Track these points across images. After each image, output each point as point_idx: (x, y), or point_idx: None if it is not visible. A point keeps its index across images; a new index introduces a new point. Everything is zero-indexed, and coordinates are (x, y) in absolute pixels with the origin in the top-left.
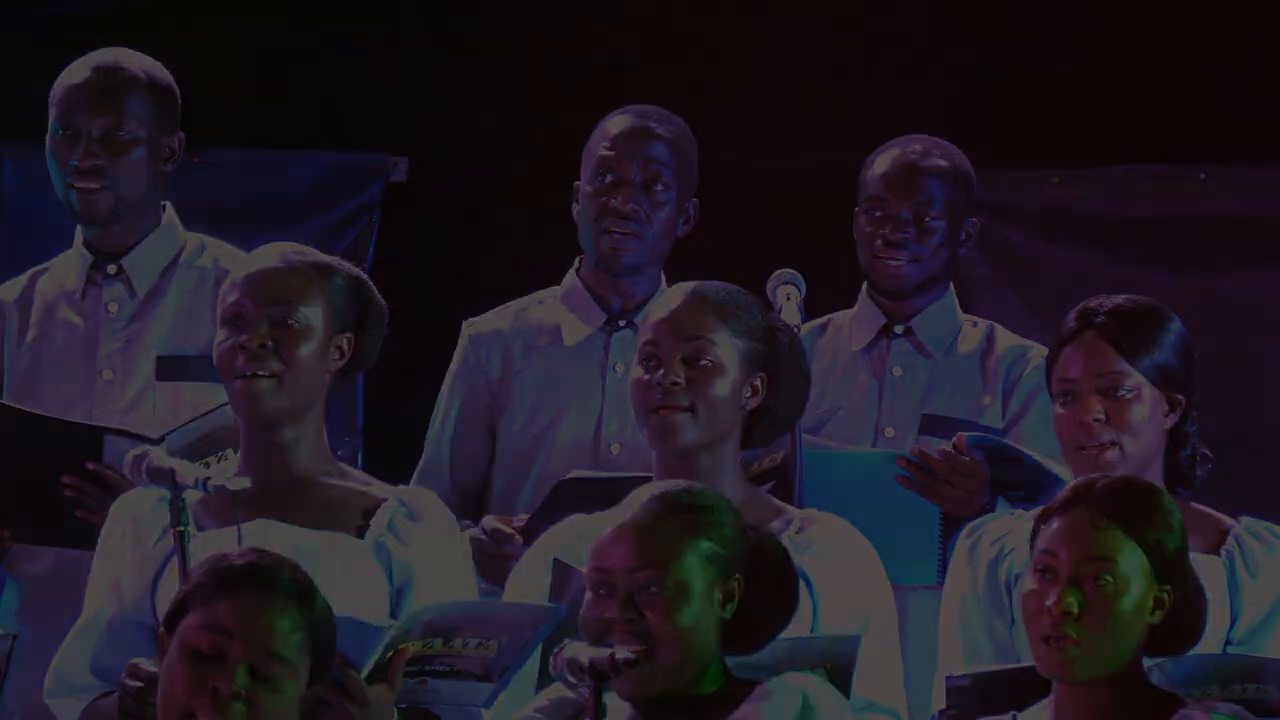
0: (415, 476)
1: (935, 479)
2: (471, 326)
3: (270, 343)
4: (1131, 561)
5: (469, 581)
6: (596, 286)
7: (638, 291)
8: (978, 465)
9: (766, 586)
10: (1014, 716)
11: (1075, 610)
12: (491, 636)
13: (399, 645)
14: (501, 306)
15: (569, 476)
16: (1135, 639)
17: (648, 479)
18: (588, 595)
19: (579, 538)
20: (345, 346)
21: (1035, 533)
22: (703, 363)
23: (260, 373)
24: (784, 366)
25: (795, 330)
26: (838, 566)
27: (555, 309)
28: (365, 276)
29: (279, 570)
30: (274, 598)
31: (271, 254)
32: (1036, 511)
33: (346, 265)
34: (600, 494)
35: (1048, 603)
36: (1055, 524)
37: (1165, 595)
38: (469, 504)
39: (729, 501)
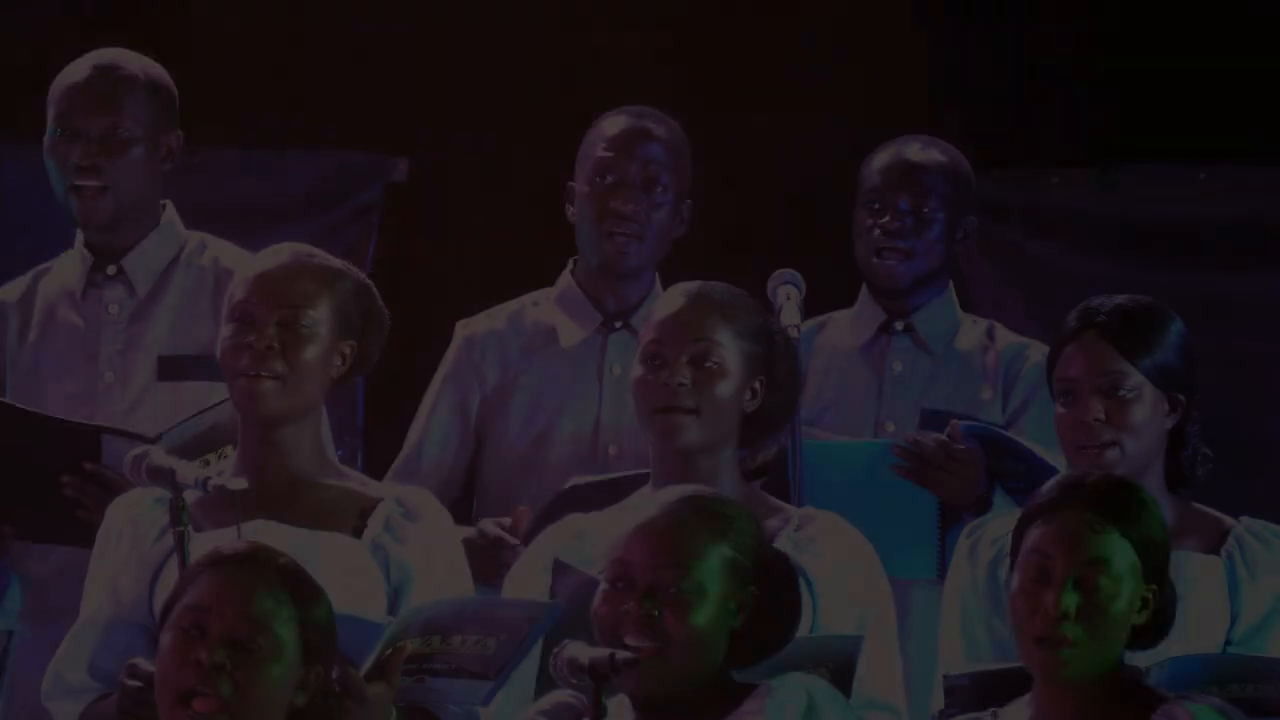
0: (391, 472)
1: (931, 468)
2: (466, 327)
3: (276, 344)
4: (1125, 562)
5: (466, 580)
6: (591, 288)
7: (633, 293)
8: (974, 454)
9: (774, 604)
10: (994, 714)
11: (1073, 613)
12: (490, 634)
13: (397, 643)
14: (495, 308)
15: (571, 484)
16: (1124, 638)
17: (647, 476)
18: (603, 587)
19: (577, 537)
20: (348, 353)
21: (1020, 533)
22: (708, 364)
23: (264, 373)
24: (781, 369)
25: (789, 332)
26: (838, 564)
27: (550, 311)
28: (370, 283)
29: (266, 554)
30: (257, 575)
31: (282, 254)
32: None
33: (354, 270)
34: (603, 497)
35: (1044, 605)
36: (1048, 525)
37: (1151, 594)
38: (451, 504)
39: (751, 512)
